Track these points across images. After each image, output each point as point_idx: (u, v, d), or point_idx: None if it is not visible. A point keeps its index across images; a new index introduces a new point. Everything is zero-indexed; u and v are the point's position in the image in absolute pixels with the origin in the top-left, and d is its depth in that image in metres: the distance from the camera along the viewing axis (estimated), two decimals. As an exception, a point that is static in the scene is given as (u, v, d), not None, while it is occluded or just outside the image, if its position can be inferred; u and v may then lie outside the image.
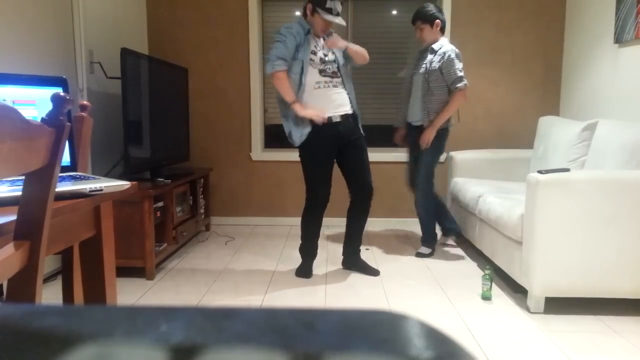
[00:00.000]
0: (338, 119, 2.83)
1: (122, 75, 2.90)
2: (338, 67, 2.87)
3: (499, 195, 2.96)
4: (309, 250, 2.99)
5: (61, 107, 0.97)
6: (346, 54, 2.92)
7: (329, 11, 2.74)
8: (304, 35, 2.79)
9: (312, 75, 2.79)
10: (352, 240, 3.04)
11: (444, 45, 3.19)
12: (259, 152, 4.28)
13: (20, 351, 0.20)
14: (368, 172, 2.95)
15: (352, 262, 3.06)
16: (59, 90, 1.54)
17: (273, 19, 4.23)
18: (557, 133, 3.30)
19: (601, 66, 3.49)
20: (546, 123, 3.56)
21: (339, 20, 2.77)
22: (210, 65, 4.21)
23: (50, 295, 2.67)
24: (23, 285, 0.99)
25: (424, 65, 3.21)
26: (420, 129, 3.25)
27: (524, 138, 4.18)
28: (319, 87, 2.80)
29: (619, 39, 3.22)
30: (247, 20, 4.15)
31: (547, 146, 3.39)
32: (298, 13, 4.21)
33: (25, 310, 0.23)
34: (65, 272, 1.63)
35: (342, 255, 3.12)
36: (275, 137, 4.38)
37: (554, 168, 2.72)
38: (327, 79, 2.81)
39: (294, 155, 4.26)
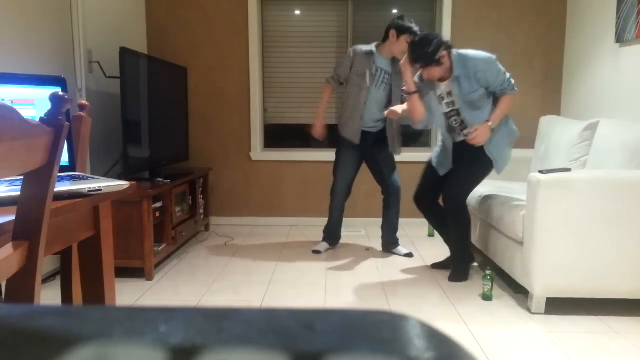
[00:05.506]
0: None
1: (121, 75, 2.90)
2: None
3: (500, 195, 2.96)
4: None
5: (60, 106, 0.97)
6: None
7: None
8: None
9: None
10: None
11: None
12: (258, 152, 4.28)
13: (19, 352, 0.20)
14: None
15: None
16: (58, 90, 1.54)
17: (273, 18, 4.23)
18: (558, 133, 3.30)
19: (602, 66, 3.49)
20: (547, 123, 3.56)
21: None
22: (209, 64, 4.21)
23: (49, 295, 2.67)
24: (22, 285, 0.99)
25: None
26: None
27: (525, 138, 4.18)
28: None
29: (620, 39, 3.21)
30: (246, 20, 4.15)
31: (548, 146, 3.39)
32: (298, 12, 4.21)
33: (24, 310, 0.23)
34: (64, 273, 1.63)
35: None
36: (275, 137, 4.38)
37: (555, 168, 2.72)
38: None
39: (293, 155, 4.26)
